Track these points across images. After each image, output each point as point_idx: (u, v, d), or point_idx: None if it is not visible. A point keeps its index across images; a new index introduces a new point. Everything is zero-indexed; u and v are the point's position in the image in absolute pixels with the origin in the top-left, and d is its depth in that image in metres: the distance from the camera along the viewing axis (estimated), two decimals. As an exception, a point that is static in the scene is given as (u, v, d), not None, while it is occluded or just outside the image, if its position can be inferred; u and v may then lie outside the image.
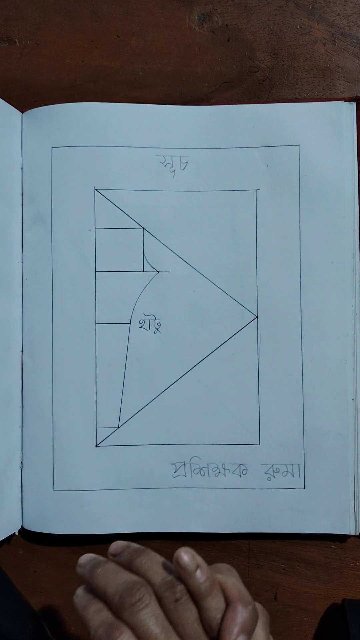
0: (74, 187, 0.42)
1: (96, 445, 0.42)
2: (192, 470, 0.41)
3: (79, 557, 0.43)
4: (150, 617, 0.27)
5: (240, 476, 0.41)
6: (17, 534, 0.42)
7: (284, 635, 0.42)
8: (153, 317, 0.42)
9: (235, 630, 0.27)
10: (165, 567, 0.29)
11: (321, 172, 0.41)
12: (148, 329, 0.42)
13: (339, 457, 0.41)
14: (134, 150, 0.42)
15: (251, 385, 0.41)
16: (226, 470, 0.41)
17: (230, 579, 0.29)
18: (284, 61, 0.43)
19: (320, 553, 0.42)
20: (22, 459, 0.42)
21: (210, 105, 0.42)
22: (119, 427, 0.42)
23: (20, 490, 0.42)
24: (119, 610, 0.27)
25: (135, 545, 0.31)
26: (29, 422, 0.42)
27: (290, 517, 0.41)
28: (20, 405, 0.42)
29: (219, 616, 0.27)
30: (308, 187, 0.41)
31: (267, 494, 0.41)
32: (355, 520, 0.41)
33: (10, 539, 0.43)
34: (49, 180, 0.42)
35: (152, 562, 0.29)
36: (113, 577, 0.28)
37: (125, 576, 0.28)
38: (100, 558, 0.31)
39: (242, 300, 0.42)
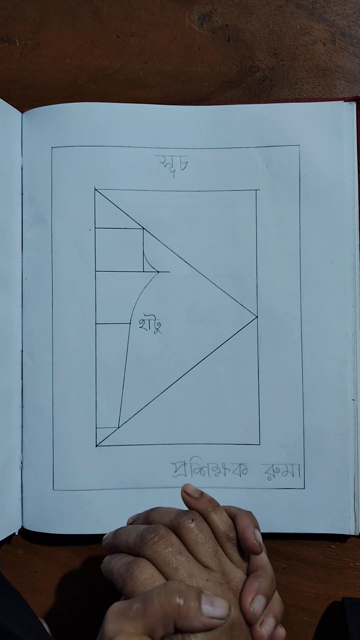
0: (74, 187, 0.42)
1: (96, 445, 0.42)
2: (193, 470, 0.41)
3: (79, 557, 0.44)
4: (169, 545, 0.29)
5: (241, 476, 0.41)
6: (17, 534, 0.42)
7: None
8: (153, 317, 0.42)
9: (249, 527, 0.31)
10: (176, 509, 0.32)
11: (321, 172, 0.41)
12: (148, 329, 0.42)
13: (339, 457, 0.41)
14: (134, 150, 0.42)
15: (251, 385, 0.41)
16: (226, 470, 0.41)
17: (226, 506, 0.33)
18: (284, 61, 0.43)
19: (320, 553, 0.42)
20: (22, 459, 0.42)
21: (210, 105, 0.42)
22: (119, 427, 0.42)
23: (20, 490, 0.42)
24: (139, 547, 0.30)
25: (146, 510, 0.33)
26: (29, 422, 0.42)
27: (290, 517, 0.41)
28: (20, 405, 0.42)
29: (228, 528, 0.31)
30: (308, 187, 0.41)
31: (267, 493, 0.41)
32: (355, 520, 0.41)
33: (10, 539, 0.43)
34: (49, 180, 0.42)
35: (164, 509, 0.32)
36: (133, 530, 0.31)
37: (143, 526, 0.31)
38: (121, 527, 0.33)
39: (242, 300, 0.42)
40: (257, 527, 0.31)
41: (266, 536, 0.42)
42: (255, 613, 0.29)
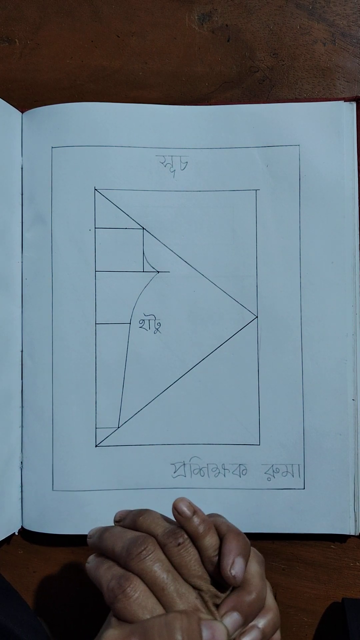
0: (74, 187, 0.42)
1: (96, 445, 0.42)
2: (192, 470, 0.41)
3: (79, 557, 0.43)
4: (156, 562, 0.29)
5: (240, 476, 0.41)
6: (17, 534, 0.42)
7: (284, 635, 0.41)
8: (153, 317, 0.42)
9: (232, 553, 0.29)
10: (166, 520, 0.31)
11: (321, 172, 0.41)
12: (148, 329, 0.42)
13: (339, 457, 0.41)
14: (134, 150, 0.42)
15: (251, 385, 0.41)
16: (226, 471, 0.41)
17: (219, 519, 0.32)
18: (284, 61, 0.43)
19: (320, 553, 0.42)
20: (22, 459, 0.42)
21: (210, 105, 0.42)
22: (119, 427, 0.42)
23: (20, 490, 0.42)
24: (126, 562, 0.29)
25: (136, 509, 0.33)
26: (29, 422, 0.42)
27: (290, 517, 0.41)
28: (20, 405, 0.42)
29: (216, 553, 0.30)
30: (308, 187, 0.41)
31: (267, 494, 0.41)
32: (355, 520, 0.41)
33: (10, 539, 0.43)
34: (49, 180, 0.42)
35: (154, 517, 0.31)
36: (120, 536, 0.31)
37: (131, 533, 0.31)
38: (107, 526, 0.33)
39: (242, 300, 0.42)
40: (241, 553, 0.29)
41: (266, 536, 0.42)
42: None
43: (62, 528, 0.41)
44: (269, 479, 0.41)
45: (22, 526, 0.42)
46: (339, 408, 0.41)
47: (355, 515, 0.41)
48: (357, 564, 0.42)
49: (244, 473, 0.41)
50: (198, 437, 0.42)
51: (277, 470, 0.41)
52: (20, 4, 0.45)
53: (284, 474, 0.41)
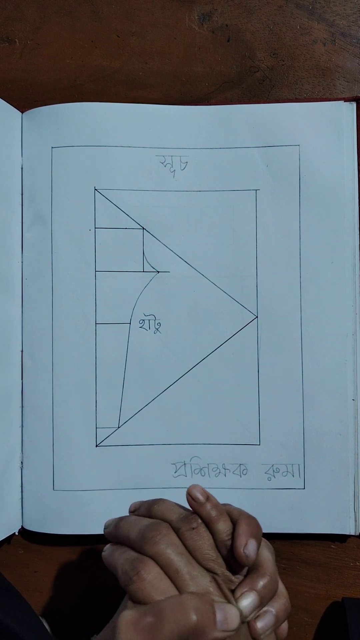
0: (74, 187, 0.42)
1: (96, 445, 0.42)
2: (193, 470, 0.41)
3: (79, 557, 0.43)
4: (169, 545, 0.29)
5: (241, 476, 0.41)
6: (17, 534, 0.42)
7: (284, 635, 0.42)
8: (153, 317, 0.42)
9: (245, 535, 0.29)
10: (180, 508, 0.32)
11: (321, 172, 0.41)
12: (148, 329, 0.42)
13: (339, 457, 0.41)
14: (134, 150, 0.42)
15: (251, 385, 0.41)
16: (226, 470, 0.41)
17: (232, 506, 0.32)
18: (284, 61, 0.43)
19: (320, 553, 0.42)
20: (22, 459, 0.42)
21: (210, 105, 0.42)
22: (119, 427, 0.42)
23: (20, 490, 0.42)
24: (141, 545, 0.29)
25: (150, 499, 0.33)
26: (29, 422, 0.42)
27: (290, 517, 0.41)
28: (20, 405, 0.42)
29: (229, 537, 0.30)
30: (308, 187, 0.41)
31: (267, 494, 0.41)
32: (355, 520, 0.41)
33: (10, 539, 0.43)
34: (49, 180, 0.42)
35: (168, 505, 0.32)
36: (135, 523, 0.31)
37: (146, 521, 0.31)
38: (123, 516, 0.33)
39: (242, 300, 0.42)
40: (254, 535, 0.30)
41: (266, 536, 0.42)
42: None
43: (62, 528, 0.41)
44: (269, 479, 0.41)
45: (22, 526, 0.42)
46: (339, 408, 0.41)
47: (355, 515, 0.41)
48: (357, 563, 0.42)
49: (244, 473, 0.41)
50: (198, 437, 0.42)
51: (277, 470, 0.41)
52: (20, 4, 0.45)
53: (284, 473, 0.41)
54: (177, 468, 0.41)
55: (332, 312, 0.41)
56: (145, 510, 0.32)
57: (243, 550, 0.29)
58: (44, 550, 0.43)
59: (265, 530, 0.41)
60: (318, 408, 0.41)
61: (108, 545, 0.32)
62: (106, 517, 0.41)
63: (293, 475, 0.41)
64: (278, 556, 0.42)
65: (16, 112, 0.43)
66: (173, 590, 0.28)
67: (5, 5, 0.45)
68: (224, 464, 0.41)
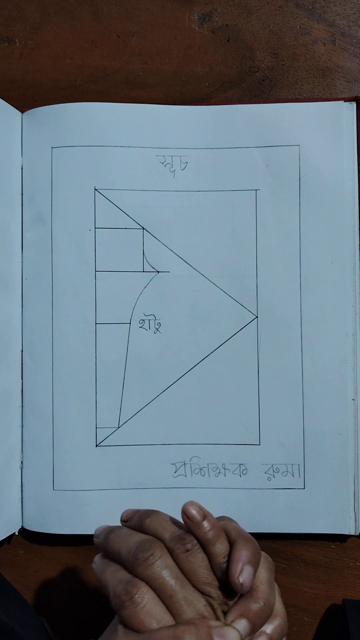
0: (74, 187, 0.42)
1: (96, 445, 0.42)
2: (193, 470, 0.41)
3: (79, 557, 0.43)
4: (163, 569, 0.28)
5: (241, 476, 0.41)
6: (17, 534, 0.42)
7: (284, 635, 0.42)
8: (153, 317, 0.42)
9: (241, 561, 0.28)
10: (174, 523, 0.30)
11: (321, 172, 0.41)
12: (148, 329, 0.42)
13: (339, 457, 0.41)
14: (134, 150, 0.42)
15: (251, 385, 0.41)
16: (226, 470, 0.41)
17: (230, 524, 0.31)
18: (284, 61, 0.43)
19: (320, 553, 0.42)
20: (22, 459, 0.42)
21: (210, 105, 0.42)
22: (119, 427, 0.42)
23: (20, 490, 0.42)
24: (133, 567, 0.28)
25: (143, 509, 0.32)
26: (29, 422, 0.42)
27: (290, 517, 0.41)
28: (20, 405, 0.42)
29: (226, 559, 0.29)
30: (308, 187, 0.41)
31: (267, 494, 0.41)
32: (355, 520, 0.41)
33: (10, 539, 0.43)
34: (49, 180, 0.42)
35: (161, 520, 0.31)
36: (126, 539, 0.30)
37: (137, 537, 0.30)
38: (113, 526, 0.32)
39: (242, 300, 0.42)
40: (250, 561, 0.29)
41: (266, 536, 0.42)
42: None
43: (62, 528, 0.41)
44: (269, 479, 0.41)
45: (22, 526, 0.42)
46: (339, 408, 0.41)
47: (355, 515, 0.41)
48: (357, 563, 0.42)
49: (244, 473, 0.41)
50: (198, 437, 0.42)
51: (277, 470, 0.41)
52: (20, 4, 0.45)
53: (284, 473, 0.41)
54: (177, 468, 0.41)
55: (332, 312, 0.41)
56: (137, 522, 0.31)
57: (238, 578, 0.28)
58: (44, 550, 0.43)
59: (265, 530, 0.41)
60: (318, 408, 0.41)
61: (98, 557, 0.31)
62: (106, 517, 0.41)
63: (293, 475, 0.41)
64: (278, 556, 0.42)
65: (16, 112, 0.43)
66: (167, 616, 0.27)
67: (5, 5, 0.45)
68: (224, 464, 0.41)
